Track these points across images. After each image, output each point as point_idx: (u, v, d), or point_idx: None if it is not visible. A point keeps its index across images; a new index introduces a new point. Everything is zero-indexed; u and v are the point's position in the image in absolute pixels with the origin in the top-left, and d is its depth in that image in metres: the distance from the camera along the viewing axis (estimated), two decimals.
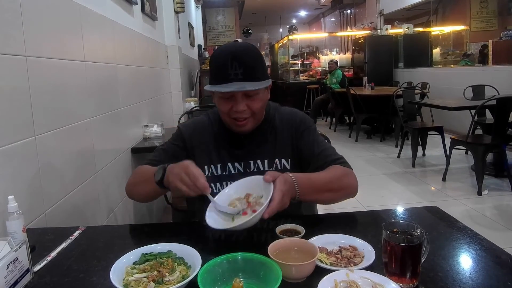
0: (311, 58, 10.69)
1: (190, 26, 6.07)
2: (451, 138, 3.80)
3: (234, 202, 1.00)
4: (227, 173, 1.20)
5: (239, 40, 10.70)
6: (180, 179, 0.95)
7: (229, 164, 1.20)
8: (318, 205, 1.63)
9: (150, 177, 1.06)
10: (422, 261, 0.77)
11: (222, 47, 1.14)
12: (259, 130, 1.21)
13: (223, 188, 1.17)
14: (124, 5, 2.43)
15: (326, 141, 1.35)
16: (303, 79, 9.44)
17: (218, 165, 1.20)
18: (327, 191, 1.10)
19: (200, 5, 8.26)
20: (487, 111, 4.24)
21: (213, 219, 0.94)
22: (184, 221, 1.82)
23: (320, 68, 9.78)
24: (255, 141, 1.21)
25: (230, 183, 1.17)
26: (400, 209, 1.24)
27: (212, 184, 1.17)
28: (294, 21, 16.93)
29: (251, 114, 1.12)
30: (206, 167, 1.20)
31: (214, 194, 1.02)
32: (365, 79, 7.36)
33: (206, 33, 11.10)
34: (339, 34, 12.43)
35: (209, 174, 1.20)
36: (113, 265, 0.79)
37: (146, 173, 1.12)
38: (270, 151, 1.21)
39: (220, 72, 1.07)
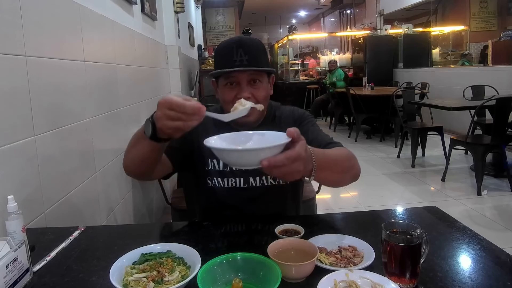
0: (310, 58, 10.68)
1: (190, 26, 6.06)
2: (450, 138, 3.80)
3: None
4: (228, 169, 1.20)
5: None
6: (167, 118, 0.81)
7: None
8: (318, 205, 1.63)
9: (141, 137, 0.93)
10: (422, 261, 0.77)
11: (227, 39, 1.16)
12: (261, 127, 1.20)
13: (225, 184, 1.17)
14: (124, 5, 2.43)
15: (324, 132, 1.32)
16: (303, 79, 9.45)
17: (220, 161, 1.20)
18: (338, 170, 1.03)
19: (200, 5, 8.25)
20: (487, 111, 4.25)
21: (215, 142, 0.82)
22: (184, 221, 1.82)
23: (320, 68, 9.78)
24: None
25: (231, 180, 1.17)
26: (399, 209, 1.24)
27: (215, 179, 1.19)
28: (294, 21, 16.92)
29: (255, 104, 1.12)
30: (209, 159, 1.21)
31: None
32: (364, 79, 7.36)
33: (206, 33, 11.10)
34: (339, 34, 12.43)
35: (212, 168, 1.21)
36: (113, 265, 0.79)
37: (136, 135, 1.01)
38: None
39: (225, 59, 1.10)
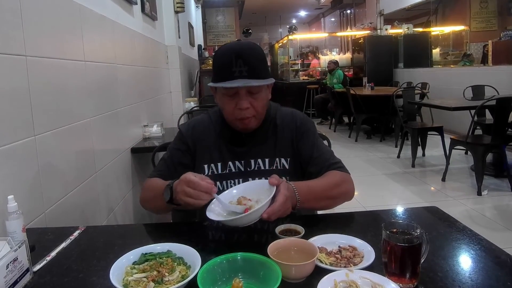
0: (311, 57, 10.66)
1: (190, 26, 6.07)
2: (450, 138, 3.80)
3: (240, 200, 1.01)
4: (227, 171, 1.20)
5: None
6: (184, 194, 0.95)
7: (230, 163, 1.20)
8: None
9: (160, 194, 1.05)
10: (422, 261, 0.77)
11: (226, 46, 1.14)
12: (261, 129, 1.21)
13: (223, 186, 1.18)
14: (124, 5, 2.43)
15: (324, 142, 1.35)
16: (303, 79, 9.44)
17: (219, 164, 1.20)
18: (325, 198, 1.11)
19: (200, 5, 8.26)
20: (487, 111, 4.25)
21: (214, 213, 0.97)
22: (184, 221, 1.81)
23: (320, 69, 9.78)
24: (256, 140, 1.21)
25: (231, 182, 1.18)
26: (399, 209, 1.24)
27: None
28: (294, 21, 16.92)
29: (254, 114, 1.13)
30: (206, 166, 1.21)
31: (218, 193, 1.02)
32: (365, 79, 7.36)
33: (206, 33, 11.10)
34: (339, 34, 12.43)
35: (209, 173, 1.20)
36: (113, 265, 0.79)
37: (156, 189, 1.11)
38: (271, 150, 1.21)
39: (224, 69, 1.07)
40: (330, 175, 1.15)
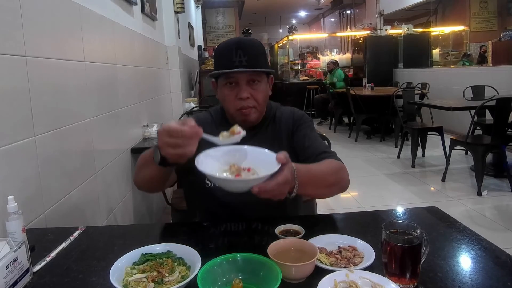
0: (310, 57, 10.66)
1: (190, 27, 6.06)
2: (450, 138, 3.80)
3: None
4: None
5: None
6: (168, 145, 0.85)
7: None
8: (317, 205, 1.63)
9: (151, 159, 0.98)
10: (422, 261, 0.77)
11: (227, 40, 1.18)
12: (261, 126, 1.23)
13: None
14: (124, 5, 2.43)
15: (324, 142, 1.34)
16: (303, 79, 9.45)
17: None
18: (323, 185, 1.07)
19: (200, 5, 8.25)
20: (487, 111, 4.25)
21: (205, 163, 0.86)
22: (184, 221, 1.82)
23: (320, 69, 9.78)
24: (256, 137, 1.22)
25: None
26: (399, 210, 1.24)
27: None
28: (294, 21, 16.92)
29: (254, 105, 1.14)
30: None
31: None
32: (365, 80, 7.36)
33: (206, 34, 11.10)
34: (339, 34, 12.42)
35: None
36: (113, 266, 0.79)
37: (145, 157, 1.07)
38: (270, 147, 1.21)
39: (225, 60, 1.11)
40: (327, 162, 1.12)
